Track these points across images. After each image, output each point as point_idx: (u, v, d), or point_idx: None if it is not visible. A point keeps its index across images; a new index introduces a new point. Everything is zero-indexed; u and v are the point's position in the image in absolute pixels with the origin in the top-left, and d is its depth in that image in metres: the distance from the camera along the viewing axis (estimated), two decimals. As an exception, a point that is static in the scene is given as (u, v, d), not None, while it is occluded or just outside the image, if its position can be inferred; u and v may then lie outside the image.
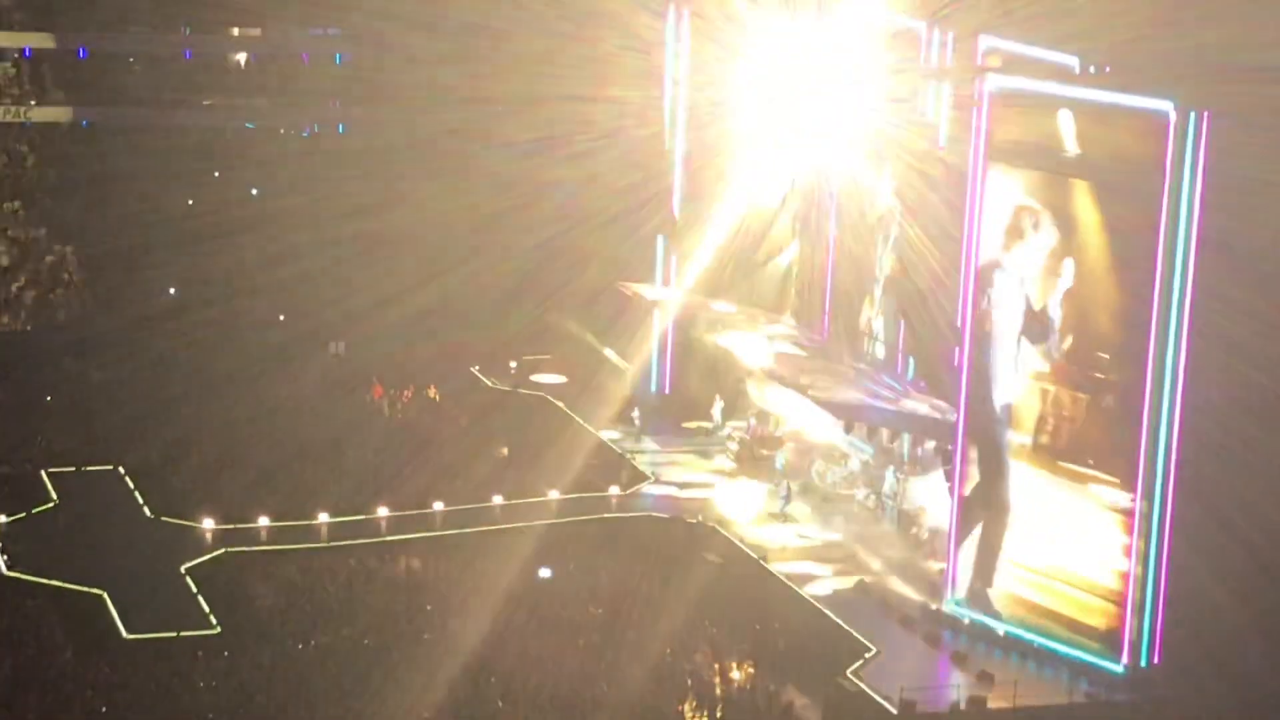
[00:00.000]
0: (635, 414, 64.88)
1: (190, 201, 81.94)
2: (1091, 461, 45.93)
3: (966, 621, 48.97)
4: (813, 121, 60.68)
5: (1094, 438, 45.88)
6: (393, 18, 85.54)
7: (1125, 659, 45.33)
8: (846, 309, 60.87)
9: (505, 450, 61.74)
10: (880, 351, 58.98)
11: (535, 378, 70.39)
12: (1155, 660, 45.27)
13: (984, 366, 48.19)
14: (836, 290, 61.23)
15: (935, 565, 51.97)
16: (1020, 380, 47.36)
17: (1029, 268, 46.91)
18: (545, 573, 51.39)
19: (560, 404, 67.10)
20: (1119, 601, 45.35)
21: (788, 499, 57.44)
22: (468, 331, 74.04)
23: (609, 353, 69.60)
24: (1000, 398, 47.84)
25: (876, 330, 59.06)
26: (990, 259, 47.79)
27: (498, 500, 57.26)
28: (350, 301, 75.87)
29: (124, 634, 47.13)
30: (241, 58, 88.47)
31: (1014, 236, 47.17)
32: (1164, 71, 46.35)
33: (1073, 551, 46.46)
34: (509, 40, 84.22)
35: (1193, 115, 42.95)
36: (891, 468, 56.87)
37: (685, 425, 64.77)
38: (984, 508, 48.58)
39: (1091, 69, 47.81)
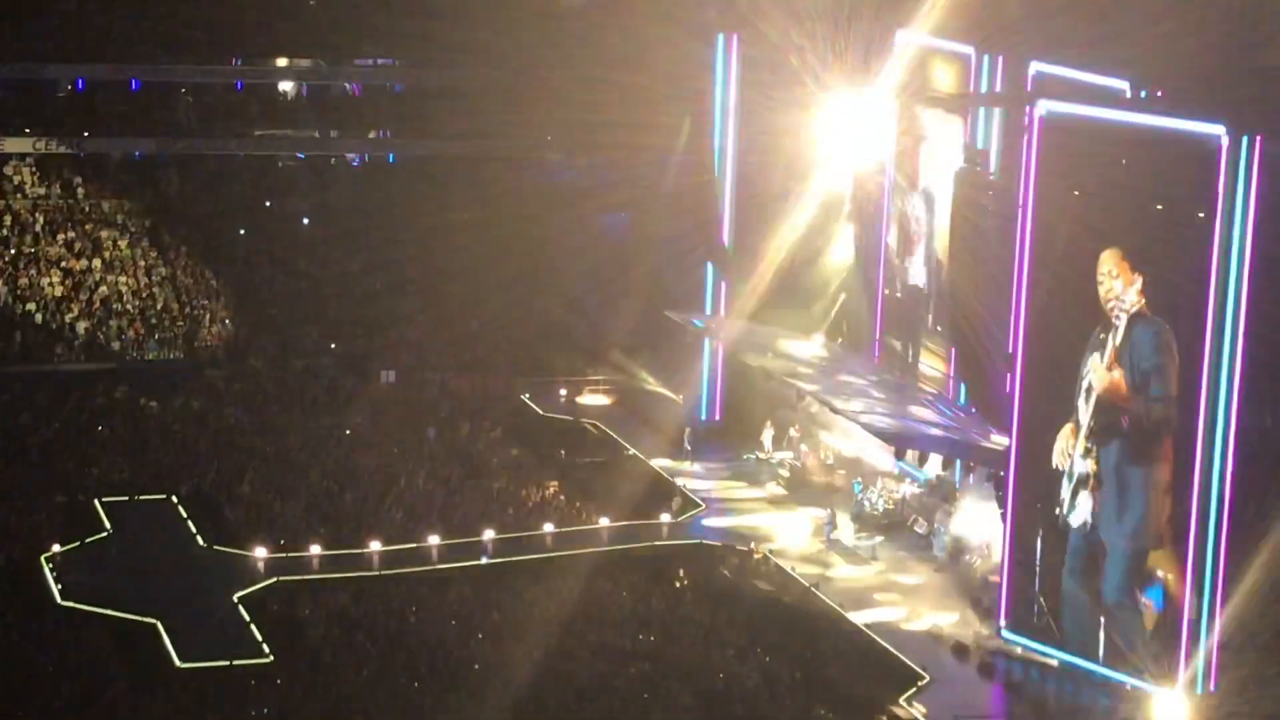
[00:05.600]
0: (687, 437, 64.97)
1: (242, 231, 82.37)
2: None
3: (1019, 650, 48.75)
4: (863, 147, 60.75)
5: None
6: (443, 46, 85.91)
7: (1181, 686, 45.01)
8: (897, 335, 60.84)
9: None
10: (932, 377, 58.92)
11: (582, 399, 70.64)
12: (1211, 688, 44.96)
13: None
14: (887, 316, 61.20)
15: (988, 593, 51.77)
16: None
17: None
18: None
19: (611, 431, 67.25)
20: (1175, 628, 45.14)
21: (833, 525, 57.38)
22: (515, 359, 74.42)
23: (657, 386, 69.78)
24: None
25: (924, 357, 59.02)
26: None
27: (548, 528, 57.30)
28: (400, 329, 76.26)
29: (177, 663, 47.31)
30: (292, 88, 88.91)
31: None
32: (1216, 95, 46.14)
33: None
34: (558, 67, 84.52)
35: (1245, 139, 42.74)
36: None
37: (745, 456, 64.58)
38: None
39: (1143, 93, 47.66)
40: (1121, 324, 45.22)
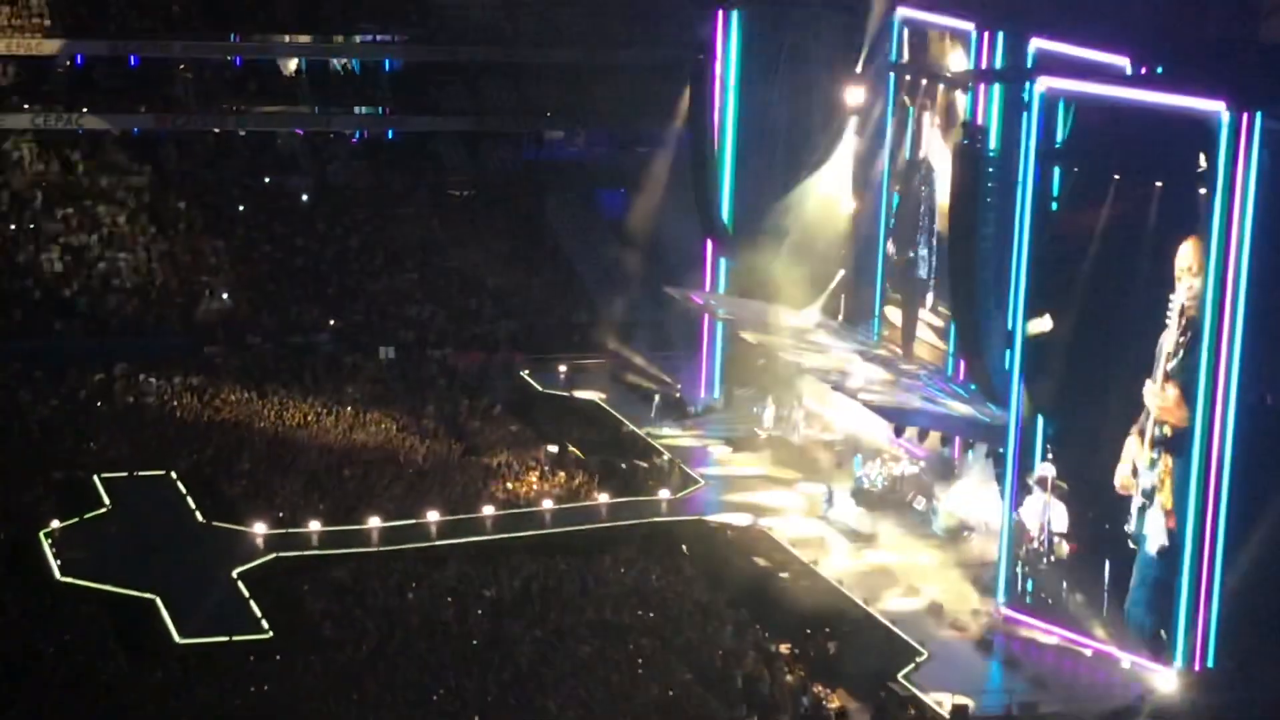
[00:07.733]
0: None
1: (241, 207, 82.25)
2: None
3: (1017, 627, 48.80)
4: (863, 123, 60.65)
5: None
6: (442, 22, 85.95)
7: (1179, 662, 45.06)
8: (896, 311, 60.84)
9: (554, 448, 61.80)
10: (929, 353, 58.92)
11: (579, 394, 70.03)
12: (1209, 664, 45.02)
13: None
14: (885, 292, 61.20)
15: (987, 569, 51.80)
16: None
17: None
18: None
19: (610, 409, 67.21)
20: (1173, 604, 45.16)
21: (830, 502, 57.40)
22: (515, 336, 74.44)
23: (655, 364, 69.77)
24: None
25: (925, 332, 59.00)
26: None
27: (548, 504, 57.29)
28: (399, 306, 76.20)
29: (176, 638, 47.36)
30: (291, 64, 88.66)
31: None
32: (1216, 72, 46.04)
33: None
34: (555, 43, 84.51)
35: (1245, 116, 42.64)
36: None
37: (757, 431, 64.33)
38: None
39: (1143, 70, 47.54)
40: (1174, 327, 44.26)
